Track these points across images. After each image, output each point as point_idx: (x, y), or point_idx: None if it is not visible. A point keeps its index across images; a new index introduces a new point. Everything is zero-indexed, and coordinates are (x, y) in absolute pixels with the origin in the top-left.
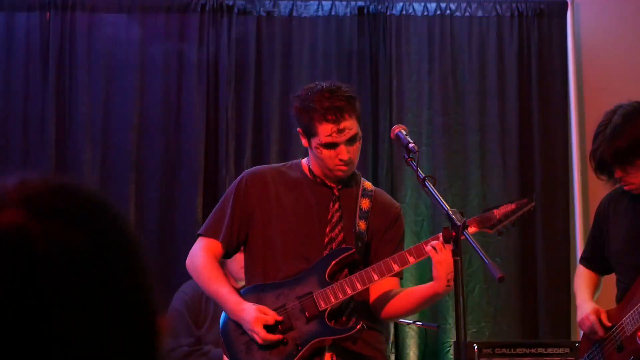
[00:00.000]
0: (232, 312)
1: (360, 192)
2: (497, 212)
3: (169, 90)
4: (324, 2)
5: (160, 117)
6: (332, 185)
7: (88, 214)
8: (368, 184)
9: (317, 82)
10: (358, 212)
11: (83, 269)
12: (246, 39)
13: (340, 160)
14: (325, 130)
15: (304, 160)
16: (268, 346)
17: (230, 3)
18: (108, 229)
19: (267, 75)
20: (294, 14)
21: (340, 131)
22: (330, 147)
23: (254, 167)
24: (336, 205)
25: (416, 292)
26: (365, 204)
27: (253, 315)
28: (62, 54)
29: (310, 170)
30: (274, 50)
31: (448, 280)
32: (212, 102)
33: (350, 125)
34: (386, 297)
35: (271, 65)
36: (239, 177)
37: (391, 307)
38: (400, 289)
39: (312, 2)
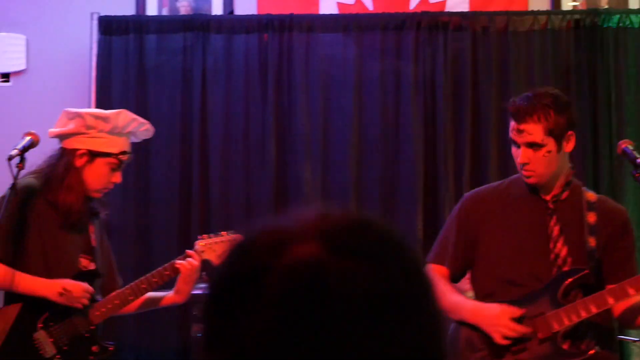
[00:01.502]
0: (471, 312)
1: (584, 205)
2: None
3: (387, 108)
4: (539, 16)
5: (378, 135)
6: (546, 198)
7: (384, 254)
8: (591, 195)
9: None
10: (586, 227)
11: (373, 310)
12: (462, 54)
13: (519, 162)
14: (511, 126)
15: None
16: None
17: (446, 20)
18: (403, 271)
19: (484, 91)
20: (509, 28)
21: (519, 131)
22: (513, 145)
23: (473, 190)
24: (554, 219)
25: None
26: (592, 217)
27: (498, 308)
28: (280, 75)
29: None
30: (490, 65)
31: None
32: (429, 119)
33: (531, 130)
34: (636, 306)
35: (488, 80)
36: (459, 202)
37: None
38: None
39: (527, 16)
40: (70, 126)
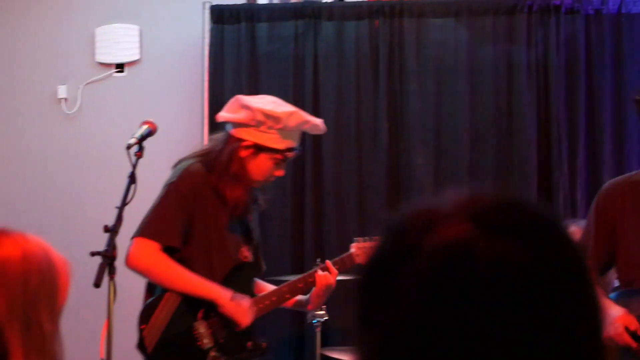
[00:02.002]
0: None
1: None
2: None
3: (499, 92)
4: None
5: (491, 120)
6: None
7: (536, 233)
8: None
9: None
10: None
11: (526, 290)
12: (575, 38)
13: None
14: None
15: None
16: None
17: (558, 3)
18: (556, 250)
19: (598, 74)
20: (623, 10)
21: None
22: None
23: (613, 179)
24: None
25: None
26: None
27: (619, 314)
28: (392, 61)
29: None
30: (603, 48)
31: None
32: (543, 103)
33: None
34: None
35: (601, 64)
36: (597, 194)
37: None
38: None
39: None
40: (240, 115)
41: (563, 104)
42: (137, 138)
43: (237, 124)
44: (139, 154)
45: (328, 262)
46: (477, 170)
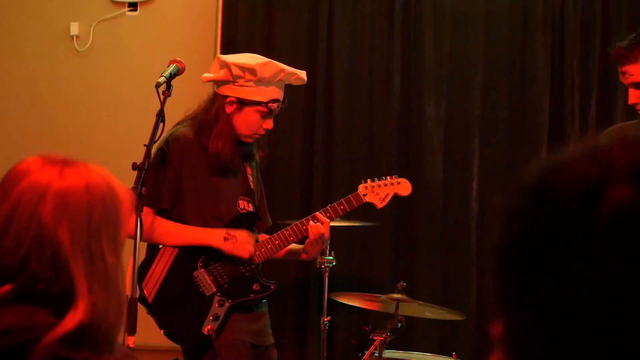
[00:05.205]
0: None
1: None
2: None
3: (514, 44)
4: None
5: (505, 72)
6: None
7: None
8: None
9: None
10: None
11: None
12: None
13: (629, 104)
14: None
15: None
16: None
17: None
18: None
19: (614, 27)
20: None
21: (622, 74)
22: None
23: (618, 124)
24: None
25: None
26: None
27: None
28: (407, 7)
29: None
30: (621, 2)
31: None
32: (557, 57)
33: (632, 71)
34: None
35: (618, 16)
36: None
37: None
38: None
39: None
40: (220, 73)
41: (578, 57)
42: (165, 77)
43: (219, 82)
44: (167, 92)
45: (317, 214)
46: (488, 120)
